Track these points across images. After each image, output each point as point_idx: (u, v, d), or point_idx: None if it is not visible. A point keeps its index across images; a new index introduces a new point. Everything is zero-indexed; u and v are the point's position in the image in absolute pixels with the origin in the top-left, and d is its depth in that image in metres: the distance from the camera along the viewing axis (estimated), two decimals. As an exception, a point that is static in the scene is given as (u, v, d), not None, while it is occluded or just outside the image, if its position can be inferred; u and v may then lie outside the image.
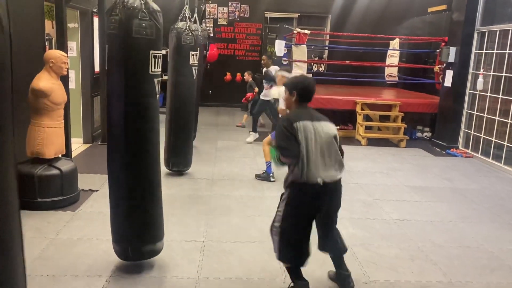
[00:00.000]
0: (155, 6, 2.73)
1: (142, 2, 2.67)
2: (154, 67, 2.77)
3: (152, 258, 3.20)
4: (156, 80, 2.81)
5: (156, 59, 2.78)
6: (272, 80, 7.07)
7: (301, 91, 2.90)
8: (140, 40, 2.68)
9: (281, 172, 3.15)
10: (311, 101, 2.97)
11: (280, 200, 2.91)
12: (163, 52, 3.03)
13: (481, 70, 7.35)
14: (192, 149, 5.71)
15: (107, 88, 2.87)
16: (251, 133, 7.88)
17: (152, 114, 2.85)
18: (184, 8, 5.11)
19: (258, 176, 5.62)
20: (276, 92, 5.48)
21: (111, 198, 3.02)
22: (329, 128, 2.84)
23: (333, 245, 3.06)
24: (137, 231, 2.98)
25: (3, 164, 1.26)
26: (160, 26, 2.76)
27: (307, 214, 2.84)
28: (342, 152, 2.94)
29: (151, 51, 2.73)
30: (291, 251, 2.85)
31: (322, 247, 3.04)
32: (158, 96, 2.89)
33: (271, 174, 5.52)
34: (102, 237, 3.68)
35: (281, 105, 5.39)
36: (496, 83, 7.10)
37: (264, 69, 7.88)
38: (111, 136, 2.89)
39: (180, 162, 5.49)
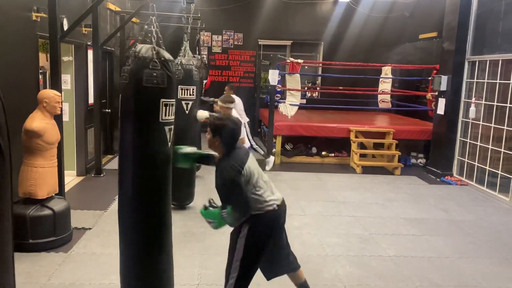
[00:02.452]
0: (167, 56, 2.75)
1: (154, 52, 2.70)
2: (165, 115, 2.75)
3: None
4: (167, 128, 2.78)
5: (168, 107, 2.76)
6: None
7: (230, 138, 2.84)
8: (151, 89, 2.69)
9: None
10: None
11: (238, 237, 2.85)
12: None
13: (473, 98, 7.43)
14: (195, 181, 5.65)
15: (120, 136, 2.84)
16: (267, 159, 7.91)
17: (163, 162, 2.82)
18: (184, 46, 5.16)
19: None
20: (203, 115, 5.53)
21: (120, 243, 2.91)
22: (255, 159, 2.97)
23: (287, 264, 3.11)
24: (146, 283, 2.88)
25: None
26: (171, 75, 2.76)
27: (269, 243, 2.86)
28: None
29: (162, 100, 2.72)
30: (247, 284, 2.87)
31: (274, 271, 3.09)
32: (170, 143, 2.86)
33: None
34: (95, 281, 3.61)
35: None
36: (488, 111, 7.18)
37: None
38: (122, 184, 2.83)
39: (181, 196, 5.43)
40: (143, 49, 2.70)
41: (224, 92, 7.97)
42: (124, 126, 2.76)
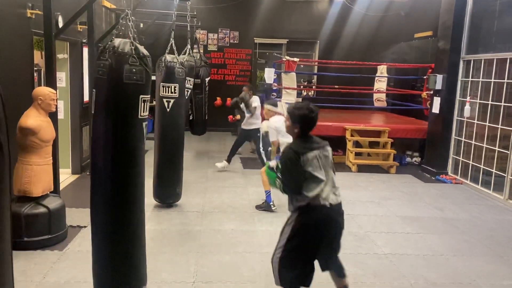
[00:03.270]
0: (145, 52, 2.74)
1: (132, 47, 2.68)
2: (143, 112, 2.77)
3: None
4: (144, 124, 2.81)
5: (145, 104, 2.77)
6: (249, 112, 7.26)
7: (304, 124, 2.94)
8: (131, 86, 2.67)
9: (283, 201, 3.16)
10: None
11: (286, 224, 2.94)
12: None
13: (468, 97, 7.47)
14: (182, 180, 5.64)
15: (92, 132, 2.83)
16: (224, 161, 7.63)
17: (139, 159, 2.82)
18: (170, 42, 5.14)
19: (259, 207, 5.57)
20: (265, 126, 5.49)
21: (93, 241, 2.92)
22: (329, 153, 3.00)
23: (339, 264, 3.19)
24: (119, 277, 2.89)
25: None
26: (149, 71, 2.76)
27: (315, 238, 2.87)
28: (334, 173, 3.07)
29: (141, 96, 2.72)
30: (292, 275, 2.88)
31: (328, 264, 3.10)
32: (144, 139, 2.87)
33: (271, 203, 5.49)
34: (90, 279, 3.55)
35: (272, 138, 5.40)
36: (483, 110, 7.21)
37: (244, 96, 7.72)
38: (95, 181, 2.81)
39: (169, 194, 5.43)
40: (121, 44, 2.66)
41: (243, 92, 7.89)
42: (100, 122, 2.72)
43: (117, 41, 2.69)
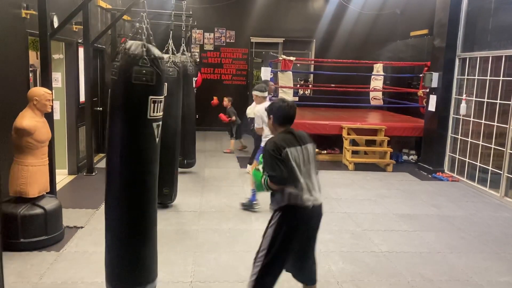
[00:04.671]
0: (157, 53, 2.75)
1: (144, 49, 2.69)
2: (153, 112, 2.77)
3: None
4: (155, 124, 2.80)
5: (156, 104, 2.78)
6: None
7: (282, 117, 2.94)
8: (140, 86, 2.69)
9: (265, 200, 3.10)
10: (293, 123, 3.00)
11: (268, 226, 2.87)
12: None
13: (464, 95, 7.49)
14: (177, 180, 5.63)
15: (107, 131, 2.85)
16: (249, 165, 7.16)
17: (150, 158, 2.83)
18: (169, 42, 5.12)
19: (243, 205, 5.57)
20: (251, 111, 5.45)
21: (106, 239, 2.93)
22: (313, 150, 2.94)
23: (308, 274, 3.04)
24: (129, 273, 2.90)
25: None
26: (161, 73, 2.77)
27: (296, 239, 2.82)
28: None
29: (150, 97, 2.73)
30: (271, 279, 2.83)
31: (296, 274, 3.03)
32: (157, 138, 2.87)
33: (254, 202, 5.48)
34: (87, 279, 3.59)
35: (257, 124, 5.40)
36: (479, 108, 7.23)
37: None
38: (107, 179, 2.85)
39: (164, 194, 5.41)
40: (133, 46, 2.70)
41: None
42: (113, 122, 2.78)
43: (129, 43, 2.71)
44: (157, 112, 2.78)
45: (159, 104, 2.79)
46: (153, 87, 2.72)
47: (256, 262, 2.86)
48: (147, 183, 2.86)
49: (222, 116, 9.15)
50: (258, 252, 2.89)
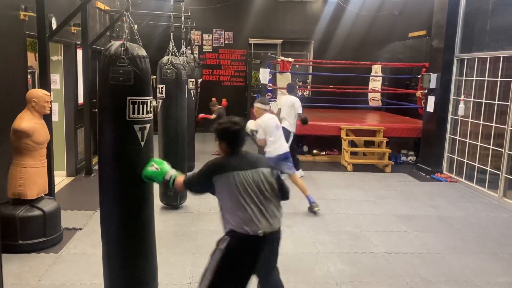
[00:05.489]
0: (137, 52, 2.69)
1: (122, 48, 2.64)
2: (134, 113, 2.68)
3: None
4: (138, 126, 2.70)
5: (136, 105, 2.68)
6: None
7: (230, 139, 2.73)
8: (116, 87, 2.65)
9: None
10: (243, 146, 2.76)
11: (217, 248, 2.63)
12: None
13: (462, 96, 7.50)
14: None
15: (97, 133, 2.85)
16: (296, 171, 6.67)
17: (132, 160, 2.74)
18: (171, 44, 5.12)
19: (308, 209, 5.57)
20: (253, 124, 5.47)
21: (103, 243, 2.90)
22: (270, 174, 2.71)
23: (274, 284, 2.88)
24: (129, 277, 2.88)
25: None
26: (139, 72, 2.67)
27: (245, 268, 2.60)
28: (286, 192, 2.83)
29: (128, 97, 2.66)
30: None
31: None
32: (142, 142, 2.80)
33: (313, 203, 5.53)
34: (86, 281, 3.59)
35: (260, 135, 5.41)
36: (477, 109, 7.25)
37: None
38: (99, 181, 2.84)
39: (176, 196, 5.40)
40: (113, 46, 2.66)
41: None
42: (98, 123, 2.78)
43: (111, 44, 2.69)
44: (139, 114, 2.68)
45: (141, 105, 2.68)
46: (131, 87, 2.64)
47: (203, 282, 2.61)
48: (136, 185, 2.77)
49: (203, 115, 9.02)
50: (203, 275, 2.64)
